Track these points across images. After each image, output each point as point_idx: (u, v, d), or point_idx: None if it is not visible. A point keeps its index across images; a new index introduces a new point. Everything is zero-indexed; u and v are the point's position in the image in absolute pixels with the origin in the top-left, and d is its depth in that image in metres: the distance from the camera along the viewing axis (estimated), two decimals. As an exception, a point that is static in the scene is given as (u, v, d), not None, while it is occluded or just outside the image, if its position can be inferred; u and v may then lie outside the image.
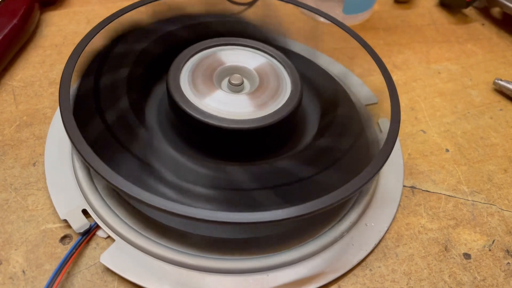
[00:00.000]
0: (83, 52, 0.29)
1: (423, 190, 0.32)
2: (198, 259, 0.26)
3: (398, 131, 0.28)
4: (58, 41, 0.40)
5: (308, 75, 0.34)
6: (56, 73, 0.37)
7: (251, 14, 0.36)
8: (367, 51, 0.33)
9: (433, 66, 0.43)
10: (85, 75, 0.29)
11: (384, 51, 0.44)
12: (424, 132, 0.37)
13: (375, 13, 0.48)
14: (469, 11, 0.50)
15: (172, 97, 0.27)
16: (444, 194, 0.32)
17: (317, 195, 0.23)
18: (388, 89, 0.30)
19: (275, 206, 0.24)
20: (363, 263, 0.28)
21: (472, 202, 0.32)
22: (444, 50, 0.45)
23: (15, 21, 0.37)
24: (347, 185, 0.24)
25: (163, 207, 0.21)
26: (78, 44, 0.29)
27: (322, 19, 0.44)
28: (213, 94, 0.28)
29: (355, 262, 0.27)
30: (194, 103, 0.27)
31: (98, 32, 0.30)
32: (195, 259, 0.26)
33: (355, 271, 0.27)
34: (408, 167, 0.34)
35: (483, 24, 0.49)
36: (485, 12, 0.50)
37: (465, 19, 0.49)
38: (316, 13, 0.35)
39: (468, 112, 0.39)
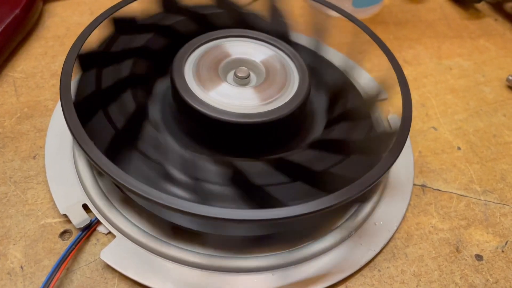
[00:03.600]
0: (85, 43, 0.28)
1: (434, 189, 0.31)
2: (202, 257, 0.25)
3: (410, 127, 0.27)
4: (61, 32, 0.39)
5: (316, 69, 0.33)
6: (58, 65, 0.36)
7: (259, 6, 0.35)
8: (378, 45, 0.32)
9: (444, 62, 0.42)
10: (87, 66, 0.28)
11: (394, 45, 0.43)
12: (435, 129, 0.36)
13: (385, 7, 0.47)
14: (482, 6, 0.49)
15: (176, 90, 0.27)
16: (456, 194, 0.31)
17: (326, 193, 0.22)
18: (399, 84, 0.29)
19: (289, 202, 0.23)
20: (371, 264, 0.27)
21: (484, 202, 0.31)
22: (456, 46, 0.44)
23: (17, 11, 0.36)
24: (357, 182, 0.23)
25: (174, 206, 0.20)
26: (80, 35, 0.28)
27: (330, 12, 0.43)
28: (218, 87, 0.28)
29: (363, 262, 0.27)
30: (199, 96, 0.26)
31: (100, 23, 0.30)
32: (198, 257, 0.25)
33: (363, 272, 0.27)
34: (419, 165, 0.33)
35: (496, 20, 0.48)
36: (497, 7, 0.49)
37: (478, 14, 0.48)
38: (326, 6, 0.34)
39: (481, 109, 0.38)
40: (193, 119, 0.27)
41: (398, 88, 0.29)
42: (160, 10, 0.33)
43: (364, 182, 0.23)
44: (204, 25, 0.32)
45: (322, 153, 0.26)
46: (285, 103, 0.27)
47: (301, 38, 0.36)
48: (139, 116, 0.26)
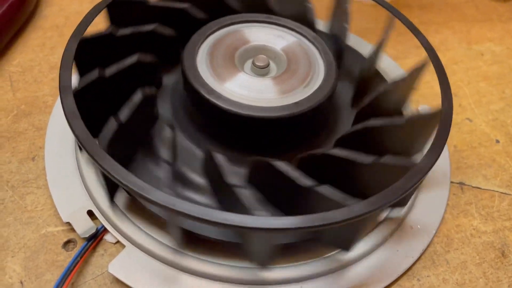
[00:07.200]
0: (85, 32, 0.26)
1: (473, 187, 0.29)
2: (223, 268, 0.23)
3: (451, 122, 0.24)
4: (60, 22, 0.38)
5: (340, 57, 0.30)
6: (58, 57, 0.34)
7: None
8: (408, 27, 0.30)
9: (474, 47, 0.39)
10: (89, 59, 0.26)
11: (420, 30, 0.40)
12: (470, 120, 0.33)
13: (406, -11, 0.44)
14: (510, -14, 0.46)
15: (188, 80, 0.24)
16: (498, 191, 0.29)
17: (375, 188, 0.19)
18: (436, 72, 0.26)
19: (344, 202, 0.20)
20: (410, 272, 0.25)
21: (529, 200, 0.28)
22: (485, 30, 0.41)
23: (12, -1, 0.34)
24: (405, 177, 0.20)
25: (208, 218, 0.18)
26: (80, 23, 0.26)
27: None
28: (234, 78, 0.25)
29: (401, 270, 0.24)
30: (213, 87, 0.24)
31: (102, 10, 0.27)
32: (219, 268, 0.23)
33: (400, 281, 0.24)
34: (455, 161, 0.30)
35: (526, 1, 0.45)
36: (527, -12, 0.46)
37: (506, -5, 0.45)
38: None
39: (518, 98, 0.35)
40: (207, 113, 0.25)
41: (428, 77, 0.26)
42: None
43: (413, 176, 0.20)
44: (220, 9, 0.29)
45: (357, 148, 0.23)
46: (309, 95, 0.24)
47: (323, 24, 0.33)
48: (149, 112, 0.24)
